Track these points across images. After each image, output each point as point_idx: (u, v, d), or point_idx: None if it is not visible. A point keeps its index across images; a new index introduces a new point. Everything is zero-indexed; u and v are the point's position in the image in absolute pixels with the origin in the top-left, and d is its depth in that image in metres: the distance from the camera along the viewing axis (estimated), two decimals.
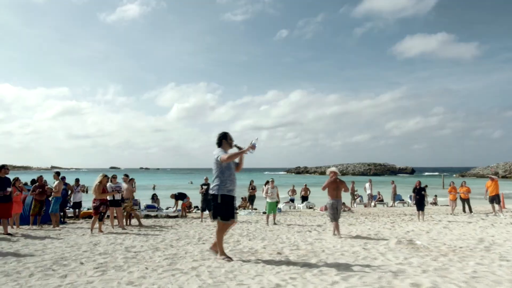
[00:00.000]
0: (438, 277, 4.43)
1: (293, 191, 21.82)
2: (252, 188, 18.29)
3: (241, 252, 6.29)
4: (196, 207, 17.29)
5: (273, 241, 7.65)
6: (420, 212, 13.52)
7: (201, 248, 6.72)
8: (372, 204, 20.98)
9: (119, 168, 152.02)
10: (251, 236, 8.54)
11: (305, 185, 20.83)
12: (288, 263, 5.30)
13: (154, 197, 15.39)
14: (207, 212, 13.13)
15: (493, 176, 15.84)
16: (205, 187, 13.29)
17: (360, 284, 4.08)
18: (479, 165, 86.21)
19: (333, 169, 8.83)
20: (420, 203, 13.57)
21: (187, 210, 15.16)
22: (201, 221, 12.70)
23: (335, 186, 8.66)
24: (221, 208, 5.46)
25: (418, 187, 14.03)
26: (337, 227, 8.63)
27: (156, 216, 14.36)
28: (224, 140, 5.65)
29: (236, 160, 5.64)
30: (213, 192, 5.49)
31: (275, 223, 11.93)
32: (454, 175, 75.57)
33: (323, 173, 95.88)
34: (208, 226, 11.16)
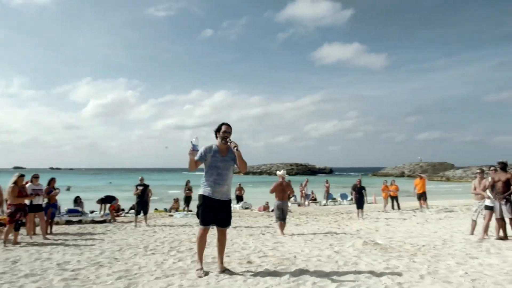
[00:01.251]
0: (444, 283, 4.09)
1: (240, 189, 21.16)
2: (189, 189, 17.17)
3: (204, 262, 5.41)
4: (123, 210, 15.73)
5: (231, 247, 6.87)
6: (360, 210, 13.77)
7: (155, 260, 5.69)
8: (306, 203, 21.17)
9: (23, 168, 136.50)
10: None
11: (239, 184, 20.23)
12: (269, 274, 4.60)
13: (77, 200, 13.51)
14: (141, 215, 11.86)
15: (421, 175, 16.88)
16: (140, 187, 11.95)
17: None
18: (388, 165, 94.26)
19: (281, 173, 9.52)
20: (360, 202, 13.81)
21: (115, 214, 13.58)
22: (135, 226, 11.36)
23: (281, 189, 9.20)
24: (198, 209, 4.77)
25: (358, 185, 14.28)
26: (282, 227, 9.09)
27: (80, 222, 12.58)
28: (217, 133, 4.80)
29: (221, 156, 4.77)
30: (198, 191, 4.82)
31: None
32: (369, 175, 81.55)
33: (247, 173, 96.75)
34: (145, 231, 9.95)
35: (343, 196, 22.83)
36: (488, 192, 8.14)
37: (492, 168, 8.37)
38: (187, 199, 16.99)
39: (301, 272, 4.66)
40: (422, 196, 16.00)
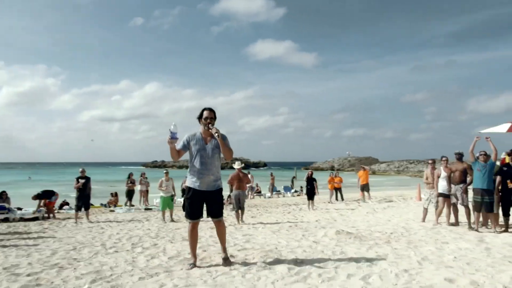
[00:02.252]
0: (447, 267, 4.07)
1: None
2: (131, 182, 16.05)
3: (183, 260, 4.88)
4: (68, 204, 14.33)
5: (200, 241, 6.37)
6: (311, 201, 13.92)
7: (123, 258, 5.03)
8: (251, 196, 21.07)
9: None
10: (168, 238, 7.04)
11: (186, 177, 19.46)
12: (264, 267, 4.24)
13: (3, 196, 11.80)
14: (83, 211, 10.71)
15: (365, 167, 17.59)
16: (82, 180, 10.79)
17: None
18: (319, 159, 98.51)
19: (237, 165, 10.16)
20: (311, 193, 13.96)
21: (54, 210, 12.17)
22: (76, 222, 10.23)
23: (239, 179, 9.70)
24: (184, 202, 4.34)
25: (310, 177, 14.42)
26: (238, 216, 9.53)
27: (6, 220, 11.04)
28: (200, 119, 4.44)
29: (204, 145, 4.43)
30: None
31: (172, 220, 10.46)
32: (301, 168, 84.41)
33: (181, 167, 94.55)
34: (91, 228, 8.98)
35: (287, 189, 23.16)
36: (441, 181, 8.57)
37: (444, 159, 8.83)
38: (129, 193, 15.88)
39: (296, 263, 4.39)
40: (365, 187, 16.69)
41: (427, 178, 9.27)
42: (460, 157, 8.46)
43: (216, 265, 4.40)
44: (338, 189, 17.87)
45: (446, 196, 8.46)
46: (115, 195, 17.07)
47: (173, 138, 4.24)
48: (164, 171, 11.27)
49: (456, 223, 8.29)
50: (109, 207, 15.61)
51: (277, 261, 4.54)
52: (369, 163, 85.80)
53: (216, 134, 4.22)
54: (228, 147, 4.31)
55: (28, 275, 4.09)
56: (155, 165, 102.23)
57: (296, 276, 3.81)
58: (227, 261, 4.47)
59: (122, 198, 17.41)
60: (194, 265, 4.35)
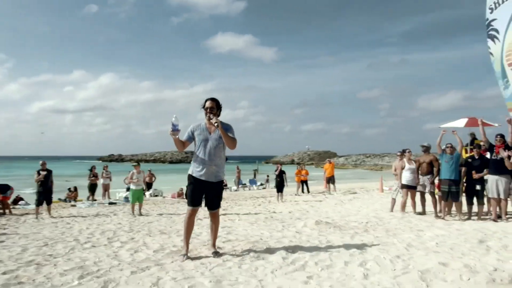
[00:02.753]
0: (435, 253, 4.22)
1: (151, 175, 19.70)
2: (94, 176, 15.35)
3: (170, 253, 4.71)
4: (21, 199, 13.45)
5: (181, 234, 6.22)
6: (280, 193, 14.04)
7: (104, 253, 4.78)
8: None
9: None
10: (144, 231, 6.79)
11: (150, 170, 18.93)
12: (257, 257, 4.20)
13: None
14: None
15: (330, 160, 17.98)
16: (43, 173, 10.15)
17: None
18: (279, 153, 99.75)
19: None
20: (280, 186, 14.08)
21: (10, 205, 11.38)
22: (37, 218, 9.62)
23: None
24: (187, 189, 4.61)
25: (280, 170, 14.52)
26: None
27: None
28: (204, 110, 4.47)
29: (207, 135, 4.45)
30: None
31: (141, 214, 10.14)
32: (262, 162, 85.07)
33: (140, 160, 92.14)
34: (55, 223, 8.48)
35: (252, 182, 23.22)
36: (404, 173, 8.92)
37: (408, 152, 9.22)
38: (92, 187, 15.21)
39: (288, 253, 4.38)
40: (330, 180, 17.09)
41: (395, 170, 9.63)
42: (426, 149, 8.85)
43: (206, 257, 4.30)
44: (304, 182, 18.17)
45: (409, 187, 8.84)
46: (74, 189, 16.27)
47: (175, 130, 4.25)
48: (134, 164, 10.87)
49: (423, 212, 8.68)
50: (69, 201, 14.84)
51: (268, 251, 4.50)
52: (327, 157, 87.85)
53: (216, 124, 4.22)
54: (231, 137, 4.29)
55: (4, 273, 3.76)
56: (112, 159, 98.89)
57: (293, 265, 3.80)
58: (217, 253, 4.41)
59: (82, 193, 16.67)
60: (187, 256, 4.28)
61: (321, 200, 13.98)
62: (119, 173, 20.73)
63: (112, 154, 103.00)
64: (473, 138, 11.38)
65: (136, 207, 10.31)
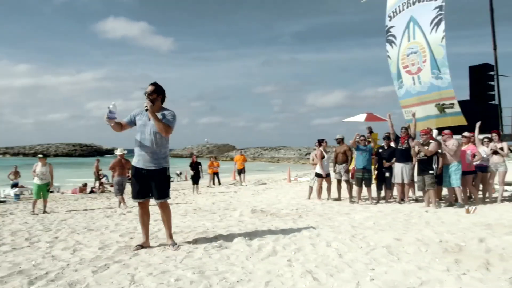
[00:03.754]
0: (390, 228, 4.62)
1: (16, 173, 17.36)
2: None
3: (120, 249, 4.30)
4: None
5: (122, 230, 5.73)
6: (196, 185, 13.83)
7: (36, 254, 4.13)
8: None
9: None
10: (66, 229, 6.04)
11: (16, 167, 17.01)
12: (220, 246, 4.09)
13: None
14: None
15: (242, 152, 18.28)
16: None
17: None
18: (177, 146, 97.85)
19: (119, 151, 10.32)
20: (196, 178, 13.86)
21: None
22: None
23: (121, 165, 9.92)
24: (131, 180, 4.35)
25: (194, 162, 14.26)
26: (123, 200, 9.73)
27: None
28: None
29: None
30: None
31: (45, 211, 9.01)
32: None
33: (16, 154, 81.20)
34: None
35: None
36: (322, 162, 9.61)
37: (316, 144, 9.98)
38: None
39: (247, 240, 4.35)
40: (241, 171, 17.41)
41: (313, 159, 10.26)
42: (340, 141, 9.66)
43: (164, 250, 4.04)
44: (216, 174, 18.18)
45: (322, 176, 9.55)
46: None
47: (110, 118, 4.07)
48: (40, 156, 9.55)
49: (339, 198, 9.45)
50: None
51: (226, 240, 4.42)
52: (227, 150, 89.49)
53: (145, 108, 4.04)
54: (162, 122, 4.07)
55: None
56: None
57: (262, 251, 3.81)
58: (175, 245, 4.20)
59: None
60: (139, 246, 4.14)
61: (236, 191, 14.17)
62: None
63: None
64: (370, 131, 12.75)
65: (40, 204, 9.12)
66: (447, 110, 11.10)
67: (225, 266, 3.28)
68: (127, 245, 4.34)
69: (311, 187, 10.20)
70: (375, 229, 4.83)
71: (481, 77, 11.26)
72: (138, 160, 4.14)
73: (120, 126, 4.21)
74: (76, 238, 5.16)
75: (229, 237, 4.60)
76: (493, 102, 11.16)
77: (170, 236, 4.36)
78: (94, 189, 16.07)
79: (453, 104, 10.80)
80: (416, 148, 7.91)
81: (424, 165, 7.66)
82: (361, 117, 14.13)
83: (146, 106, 3.99)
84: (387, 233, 4.43)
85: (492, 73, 11.00)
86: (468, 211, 6.30)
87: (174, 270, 3.20)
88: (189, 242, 4.45)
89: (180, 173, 24.46)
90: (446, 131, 8.00)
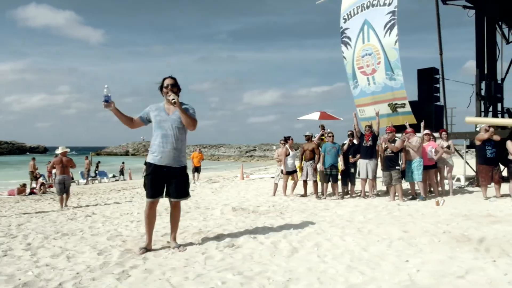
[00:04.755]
0: (381, 224, 4.78)
1: None
2: None
3: (124, 253, 3.96)
4: None
5: (111, 232, 5.30)
6: None
7: (25, 264, 3.66)
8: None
9: None
10: (33, 235, 5.44)
11: None
12: (226, 245, 3.96)
13: None
14: None
15: (200, 149, 17.87)
16: None
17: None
18: (110, 144, 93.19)
19: (60, 149, 10.01)
20: None
21: None
22: None
23: (62, 164, 9.73)
24: (145, 179, 3.99)
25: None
26: (62, 201, 9.48)
27: None
28: (161, 91, 4.10)
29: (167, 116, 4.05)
30: None
31: None
32: (91, 154, 77.86)
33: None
34: None
35: (102, 174, 21.10)
36: (289, 159, 9.78)
37: (282, 141, 10.18)
38: None
39: (254, 238, 4.27)
40: (197, 170, 17.04)
41: (278, 156, 10.37)
42: (309, 138, 9.87)
43: (174, 253, 3.83)
44: None
45: (292, 172, 9.73)
46: None
47: (107, 101, 3.81)
48: None
49: (305, 195, 9.65)
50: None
51: (232, 239, 4.29)
52: None
53: (173, 101, 3.86)
54: (190, 116, 3.94)
55: None
56: None
57: (278, 249, 3.75)
58: (180, 247, 4.03)
59: None
60: (146, 249, 3.92)
61: (192, 190, 13.82)
62: None
63: None
64: (323, 129, 13.21)
65: None
66: (399, 110, 11.88)
67: (257, 265, 3.19)
68: (126, 249, 4.03)
69: (276, 184, 10.29)
70: (372, 222, 5.01)
71: (428, 79, 12.21)
72: (160, 157, 3.89)
73: (130, 121, 4.02)
74: (55, 243, 4.66)
75: (233, 236, 4.48)
76: (438, 103, 12.15)
77: (175, 237, 4.17)
78: (34, 190, 14.70)
79: (404, 104, 11.58)
80: (384, 145, 8.35)
81: (391, 161, 8.13)
82: (315, 116, 14.58)
83: (174, 99, 3.79)
84: (389, 226, 4.63)
85: (438, 76, 11.96)
86: (438, 203, 6.81)
87: (207, 272, 3.02)
88: (191, 244, 4.26)
89: (123, 171, 23.23)
90: (409, 129, 8.56)
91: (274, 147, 10.52)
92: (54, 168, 9.97)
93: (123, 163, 24.43)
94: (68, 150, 10.16)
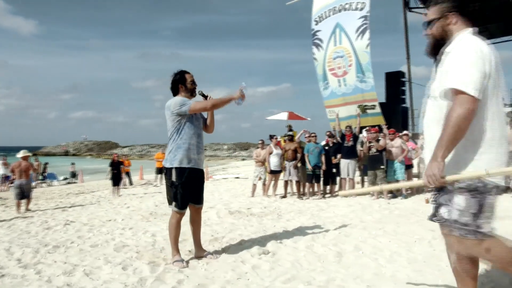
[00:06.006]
0: (384, 223, 4.82)
1: None
2: None
3: (164, 266, 3.59)
4: None
5: (116, 240, 4.82)
6: (116, 187, 12.49)
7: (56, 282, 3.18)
8: (4, 187, 16.65)
9: None
10: (36, 246, 4.82)
11: None
12: (260, 253, 3.76)
13: None
14: None
15: (163, 149, 17.15)
16: None
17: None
18: (47, 144, 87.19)
19: (22, 153, 9.70)
20: (117, 178, 12.53)
21: None
22: None
23: (20, 169, 9.43)
24: (176, 189, 3.55)
25: (115, 161, 12.84)
26: (28, 203, 9.32)
27: None
28: (181, 85, 3.67)
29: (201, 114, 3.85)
30: (167, 165, 3.57)
31: None
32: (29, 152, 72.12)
33: None
34: None
35: (51, 176, 19.56)
36: (272, 158, 9.71)
37: (260, 142, 10.14)
38: None
39: (279, 243, 4.11)
40: (161, 171, 16.37)
41: (257, 156, 10.23)
42: (291, 138, 9.86)
43: (209, 263, 3.57)
44: (127, 173, 16.77)
45: (275, 172, 9.67)
46: None
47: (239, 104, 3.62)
48: None
49: (285, 195, 9.61)
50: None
51: (257, 246, 4.09)
52: (109, 148, 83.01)
53: (209, 97, 3.70)
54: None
55: None
56: None
57: (315, 254, 3.63)
58: (213, 255, 3.79)
59: None
60: (184, 260, 3.65)
61: (160, 192, 13.27)
62: None
63: None
64: (290, 129, 13.31)
65: None
66: (368, 111, 12.27)
67: (318, 274, 3.03)
68: (150, 262, 3.67)
69: (254, 185, 10.14)
70: (385, 222, 5.07)
71: (395, 82, 12.77)
72: (199, 159, 3.64)
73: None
74: (54, 258, 4.15)
75: (256, 242, 4.27)
76: (404, 105, 12.75)
77: (201, 244, 3.91)
78: None
79: (374, 105, 11.99)
80: (368, 143, 8.54)
81: (376, 161, 8.34)
82: (283, 116, 14.66)
83: (206, 95, 3.59)
84: (409, 226, 4.70)
85: (404, 79, 12.54)
86: (427, 201, 7.08)
87: (270, 284, 2.82)
88: (217, 251, 4.01)
89: (75, 174, 21.66)
90: (391, 130, 8.85)
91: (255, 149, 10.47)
92: (13, 172, 9.69)
93: (73, 164, 22.82)
94: (30, 154, 10.03)
